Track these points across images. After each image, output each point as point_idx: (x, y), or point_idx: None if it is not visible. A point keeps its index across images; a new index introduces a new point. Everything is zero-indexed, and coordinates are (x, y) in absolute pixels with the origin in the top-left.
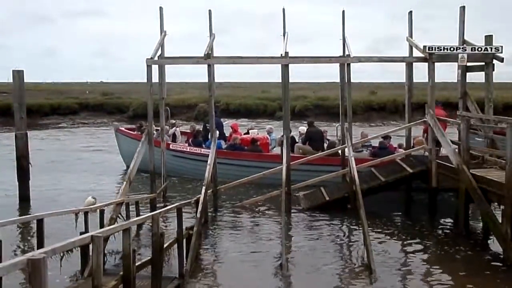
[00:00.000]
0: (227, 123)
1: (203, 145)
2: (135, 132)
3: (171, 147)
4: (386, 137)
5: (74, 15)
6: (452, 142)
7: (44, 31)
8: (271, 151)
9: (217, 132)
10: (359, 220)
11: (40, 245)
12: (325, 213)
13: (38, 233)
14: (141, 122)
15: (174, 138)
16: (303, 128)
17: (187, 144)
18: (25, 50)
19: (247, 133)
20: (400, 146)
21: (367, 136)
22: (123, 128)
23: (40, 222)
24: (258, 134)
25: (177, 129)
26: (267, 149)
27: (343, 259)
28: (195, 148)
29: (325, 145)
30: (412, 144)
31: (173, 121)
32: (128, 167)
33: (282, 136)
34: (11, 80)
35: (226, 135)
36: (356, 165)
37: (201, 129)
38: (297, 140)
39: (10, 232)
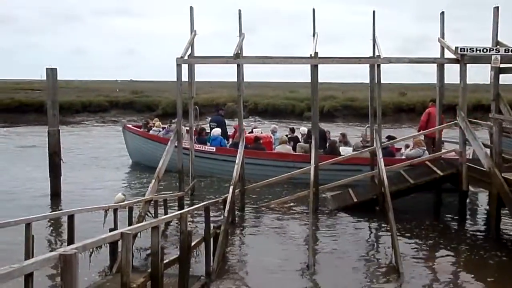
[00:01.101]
0: (249, 124)
1: (207, 143)
2: (141, 130)
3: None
4: (390, 137)
5: (105, 14)
6: (484, 145)
7: (75, 30)
8: (274, 150)
9: (219, 130)
10: (387, 223)
11: (71, 240)
12: (352, 214)
13: (69, 229)
14: (147, 119)
15: (201, 139)
16: (305, 129)
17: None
18: (57, 49)
19: (251, 132)
20: (407, 146)
21: (367, 137)
22: (130, 125)
23: (71, 218)
24: (261, 133)
25: (184, 127)
26: (270, 147)
27: (371, 261)
28: (199, 146)
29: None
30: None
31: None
32: (135, 163)
33: (287, 135)
34: (44, 78)
35: (229, 133)
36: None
37: (204, 127)
38: (300, 140)
39: (42, 227)
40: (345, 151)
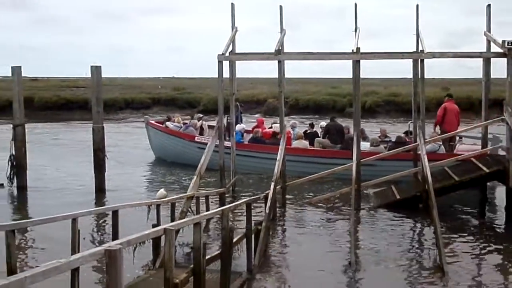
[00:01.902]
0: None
1: (226, 138)
2: (163, 125)
3: (196, 139)
4: (407, 132)
5: (149, 12)
6: None
7: (119, 28)
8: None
9: (242, 125)
10: (431, 220)
11: (115, 235)
12: (395, 211)
13: (113, 224)
14: (169, 115)
15: (201, 131)
16: (324, 124)
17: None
18: (102, 47)
19: (271, 127)
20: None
21: (385, 132)
22: (152, 121)
23: (115, 213)
24: (277, 128)
25: (204, 122)
26: (289, 143)
27: (414, 259)
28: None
29: None
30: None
31: (201, 115)
32: (158, 158)
33: (306, 131)
34: (89, 76)
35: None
36: (373, 159)
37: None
38: (319, 135)
39: (87, 223)
40: (363, 146)
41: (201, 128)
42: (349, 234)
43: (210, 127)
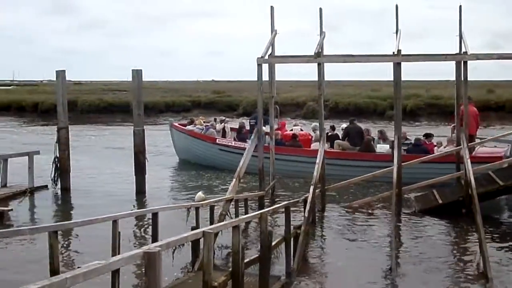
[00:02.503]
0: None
1: (247, 140)
2: (186, 127)
3: (217, 141)
4: (427, 135)
5: (189, 16)
6: None
7: (161, 32)
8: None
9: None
10: (474, 226)
11: (155, 238)
12: (437, 216)
13: (153, 226)
14: (192, 118)
15: (224, 133)
16: (344, 126)
17: (233, 139)
18: (144, 50)
19: (292, 130)
20: (440, 144)
21: (405, 135)
22: (176, 124)
23: (155, 215)
24: (301, 130)
25: (227, 125)
26: (308, 144)
27: (457, 266)
28: (239, 143)
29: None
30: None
31: (223, 118)
32: (181, 159)
33: (328, 133)
34: (130, 79)
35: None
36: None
37: (244, 125)
38: (340, 138)
39: (128, 224)
40: (383, 148)
41: (224, 130)
42: (389, 239)
43: (232, 129)
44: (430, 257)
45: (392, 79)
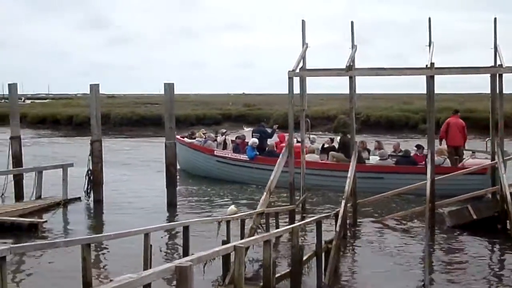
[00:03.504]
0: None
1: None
2: (191, 141)
3: (215, 153)
4: (418, 146)
5: (220, 29)
6: None
7: (192, 45)
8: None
9: (255, 140)
10: (510, 242)
11: (186, 251)
12: (471, 232)
13: (184, 239)
14: (193, 130)
15: (225, 145)
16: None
17: (230, 151)
18: (175, 64)
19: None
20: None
21: (398, 147)
22: (178, 136)
23: (186, 229)
24: (297, 142)
25: (228, 137)
26: (299, 156)
27: (492, 283)
28: (235, 154)
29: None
30: None
31: (224, 130)
32: (183, 170)
33: (324, 145)
34: (162, 92)
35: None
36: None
37: (244, 137)
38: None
39: (159, 237)
40: (375, 159)
41: (225, 142)
42: (423, 254)
43: (233, 141)
44: (465, 273)
45: (424, 91)
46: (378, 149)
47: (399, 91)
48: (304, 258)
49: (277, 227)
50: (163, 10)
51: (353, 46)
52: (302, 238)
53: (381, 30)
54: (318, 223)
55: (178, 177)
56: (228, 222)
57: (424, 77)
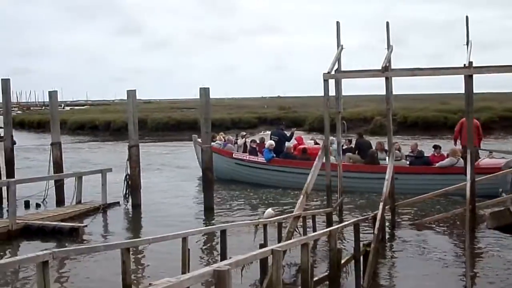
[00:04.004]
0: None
1: (258, 154)
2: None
3: (234, 155)
4: (436, 146)
5: (253, 33)
6: None
7: (226, 49)
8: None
9: (271, 142)
10: None
11: (223, 254)
12: None
13: (222, 243)
14: (213, 134)
15: (245, 148)
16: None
17: (247, 154)
18: (209, 68)
19: (317, 143)
20: (447, 156)
21: (415, 147)
22: (199, 140)
23: (223, 232)
24: (316, 144)
25: (248, 140)
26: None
27: None
28: (252, 157)
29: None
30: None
31: (244, 133)
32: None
33: (343, 145)
34: (197, 97)
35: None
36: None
37: (263, 140)
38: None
39: (196, 241)
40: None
41: (245, 145)
42: (464, 258)
43: (253, 143)
44: (507, 277)
45: (462, 91)
46: (380, 150)
47: (434, 91)
48: (342, 261)
49: (314, 230)
50: (196, 14)
51: (389, 47)
52: (340, 241)
53: (416, 30)
54: (356, 226)
55: None
56: (265, 225)
57: (462, 77)
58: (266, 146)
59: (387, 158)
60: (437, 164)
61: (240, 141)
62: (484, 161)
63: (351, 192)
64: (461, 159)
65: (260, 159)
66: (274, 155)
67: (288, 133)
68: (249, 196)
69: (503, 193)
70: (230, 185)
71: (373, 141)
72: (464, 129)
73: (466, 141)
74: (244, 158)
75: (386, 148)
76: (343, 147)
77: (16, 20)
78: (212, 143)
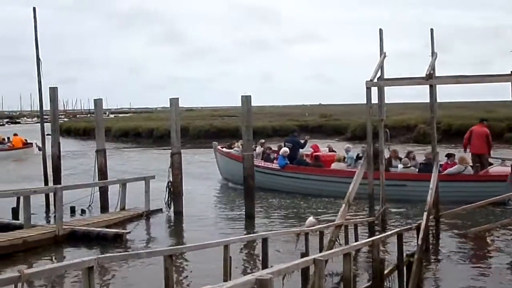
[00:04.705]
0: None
1: (274, 161)
2: (229, 151)
3: None
4: (449, 155)
5: (293, 41)
6: None
7: (266, 57)
8: (347, 168)
9: (286, 150)
10: None
11: (265, 263)
12: None
13: (263, 252)
14: (232, 141)
15: (263, 155)
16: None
17: (260, 159)
18: (249, 76)
19: (333, 151)
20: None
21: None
22: (219, 147)
23: (265, 241)
24: (330, 151)
25: (267, 146)
26: (329, 165)
27: None
28: (267, 163)
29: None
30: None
31: (263, 141)
32: (225, 179)
33: (358, 154)
34: (238, 105)
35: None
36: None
37: (272, 147)
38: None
39: (238, 249)
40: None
41: (263, 152)
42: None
43: (272, 151)
44: None
45: (509, 99)
46: (394, 158)
47: (477, 98)
48: (385, 271)
49: (356, 240)
50: (237, 22)
51: (433, 54)
52: (383, 251)
53: (460, 37)
54: (399, 236)
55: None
56: (306, 234)
57: (509, 84)
58: (280, 153)
59: (399, 165)
60: (444, 172)
61: (259, 149)
62: (494, 169)
63: (395, 201)
64: (469, 166)
65: (275, 165)
66: (288, 161)
67: (302, 141)
68: (288, 205)
69: (510, 201)
70: (269, 193)
71: (420, 151)
72: (473, 137)
73: (475, 149)
74: (260, 164)
75: (401, 156)
76: (359, 155)
77: (64, 32)
78: (230, 150)
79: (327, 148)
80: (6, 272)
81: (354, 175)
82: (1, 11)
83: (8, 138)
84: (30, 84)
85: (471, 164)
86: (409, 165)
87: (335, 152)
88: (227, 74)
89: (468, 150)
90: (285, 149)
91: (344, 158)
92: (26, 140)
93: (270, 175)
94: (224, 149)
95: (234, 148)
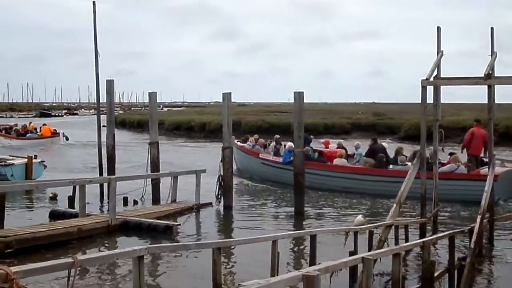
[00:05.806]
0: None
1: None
2: (242, 145)
3: (260, 155)
4: (451, 154)
5: (350, 37)
6: None
7: (321, 54)
8: (355, 164)
9: (292, 145)
10: None
11: (313, 260)
12: None
13: (311, 248)
14: (247, 136)
15: (277, 151)
16: (385, 145)
17: (272, 154)
18: (304, 72)
19: (343, 147)
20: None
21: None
22: (235, 141)
23: (313, 238)
24: (342, 148)
25: (282, 142)
26: (332, 160)
27: None
28: (276, 157)
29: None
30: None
31: (278, 136)
32: (238, 169)
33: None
34: (291, 101)
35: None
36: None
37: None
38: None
39: (286, 244)
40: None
41: (274, 147)
42: None
43: (278, 145)
44: None
45: None
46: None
47: None
48: (436, 274)
49: (406, 240)
50: (292, 19)
51: (493, 53)
52: (434, 253)
53: None
54: (451, 238)
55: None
56: (356, 233)
57: None
58: (286, 148)
59: (408, 163)
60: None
61: (272, 144)
62: (486, 169)
63: (447, 202)
64: (461, 165)
65: (276, 158)
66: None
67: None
68: (337, 202)
69: (499, 200)
70: (318, 191)
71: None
72: (474, 139)
73: (476, 150)
74: (268, 158)
75: (405, 154)
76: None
77: (123, 26)
78: (244, 144)
79: (335, 145)
80: (61, 259)
81: (354, 170)
82: (63, 5)
83: (40, 127)
84: (88, 76)
85: (463, 163)
86: (404, 162)
87: (344, 149)
88: (282, 70)
89: (464, 151)
90: (290, 144)
91: (347, 154)
92: (55, 130)
93: (277, 168)
94: (238, 143)
95: (248, 142)
